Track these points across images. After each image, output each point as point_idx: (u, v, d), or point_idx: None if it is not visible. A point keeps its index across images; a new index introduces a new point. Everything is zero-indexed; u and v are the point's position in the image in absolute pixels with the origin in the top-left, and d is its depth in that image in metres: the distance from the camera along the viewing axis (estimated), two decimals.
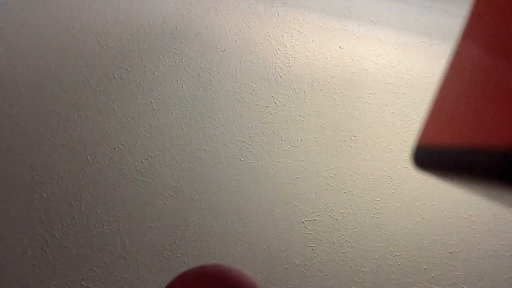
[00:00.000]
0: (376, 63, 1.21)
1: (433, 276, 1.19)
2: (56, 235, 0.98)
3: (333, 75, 1.18)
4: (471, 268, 1.22)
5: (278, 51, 1.15)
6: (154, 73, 1.07)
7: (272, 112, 1.13)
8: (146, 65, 1.07)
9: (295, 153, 1.14)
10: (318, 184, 1.15)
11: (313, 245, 1.13)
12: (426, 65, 1.25)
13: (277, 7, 1.16)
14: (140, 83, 1.06)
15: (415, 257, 1.19)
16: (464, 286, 1.21)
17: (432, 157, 0.20)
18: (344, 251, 1.15)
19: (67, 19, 1.04)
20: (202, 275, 0.48)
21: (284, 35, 1.16)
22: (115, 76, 1.05)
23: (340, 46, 1.19)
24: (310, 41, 1.17)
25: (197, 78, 1.10)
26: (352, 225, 1.16)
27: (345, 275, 1.15)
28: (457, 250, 1.21)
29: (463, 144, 0.17)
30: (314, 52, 1.18)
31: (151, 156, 1.05)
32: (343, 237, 1.15)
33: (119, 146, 1.04)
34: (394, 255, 1.18)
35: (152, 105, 1.06)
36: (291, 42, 1.16)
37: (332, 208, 1.15)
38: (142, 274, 1.02)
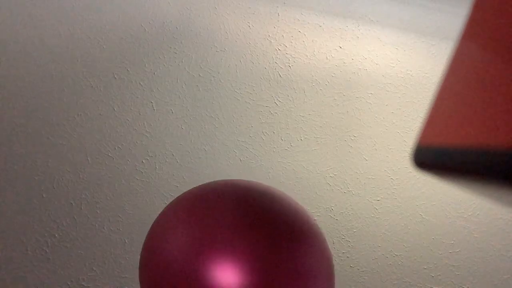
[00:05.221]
0: (376, 63, 1.21)
1: (433, 276, 1.19)
2: (56, 235, 0.98)
3: (333, 75, 1.18)
4: (471, 268, 1.22)
5: (278, 51, 1.15)
6: (154, 73, 1.07)
7: (272, 112, 1.13)
8: (146, 65, 1.07)
9: (295, 153, 1.14)
10: (318, 184, 1.15)
11: None
12: (426, 65, 1.25)
13: (277, 7, 1.16)
14: (140, 83, 1.06)
15: (415, 257, 1.19)
16: (464, 286, 1.21)
17: (432, 157, 0.20)
18: (344, 251, 1.15)
19: (67, 19, 1.04)
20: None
21: (284, 35, 1.16)
22: (115, 76, 1.05)
23: (340, 46, 1.19)
24: (310, 41, 1.17)
25: (197, 78, 1.10)
26: (352, 225, 1.16)
27: (345, 275, 1.14)
28: (457, 250, 1.21)
29: (463, 144, 0.17)
30: (314, 52, 1.17)
31: (151, 156, 1.05)
32: (343, 237, 1.15)
33: (119, 146, 1.04)
34: (394, 255, 1.18)
35: (152, 105, 1.06)
36: (291, 42, 1.16)
37: (332, 208, 1.15)
38: None
